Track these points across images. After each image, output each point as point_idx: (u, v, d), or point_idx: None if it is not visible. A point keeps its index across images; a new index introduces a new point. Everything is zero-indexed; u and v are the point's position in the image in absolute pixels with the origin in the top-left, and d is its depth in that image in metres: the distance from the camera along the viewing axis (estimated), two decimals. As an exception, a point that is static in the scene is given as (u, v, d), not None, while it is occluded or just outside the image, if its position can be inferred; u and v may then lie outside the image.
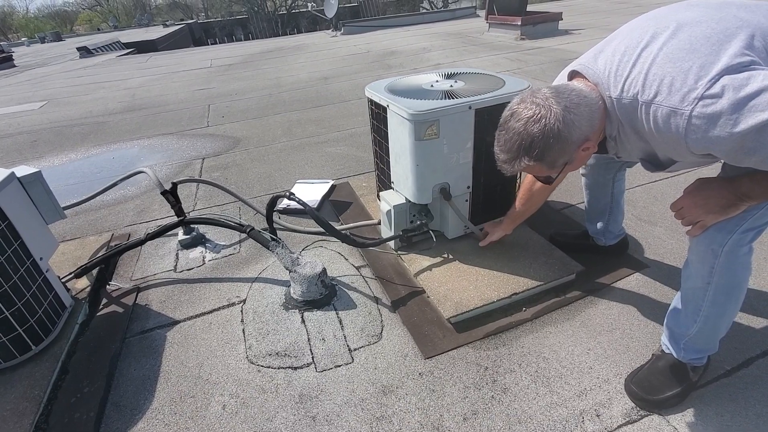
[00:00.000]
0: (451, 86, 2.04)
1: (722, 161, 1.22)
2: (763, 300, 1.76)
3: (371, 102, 2.15)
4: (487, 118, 1.89)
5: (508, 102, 1.86)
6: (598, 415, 1.38)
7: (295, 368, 1.63)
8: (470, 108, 1.83)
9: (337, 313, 1.88)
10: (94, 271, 2.18)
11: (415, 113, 1.76)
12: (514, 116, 1.14)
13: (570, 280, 1.94)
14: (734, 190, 1.07)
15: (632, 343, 1.63)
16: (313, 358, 1.67)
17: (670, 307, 1.42)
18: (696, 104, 0.93)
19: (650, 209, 2.46)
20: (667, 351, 1.45)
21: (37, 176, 1.80)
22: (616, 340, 1.65)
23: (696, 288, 1.28)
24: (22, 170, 1.77)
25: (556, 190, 2.75)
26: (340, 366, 1.63)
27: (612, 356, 1.59)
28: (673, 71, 0.97)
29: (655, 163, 1.26)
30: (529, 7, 9.34)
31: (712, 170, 1.25)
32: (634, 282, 1.93)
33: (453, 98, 1.87)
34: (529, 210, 1.91)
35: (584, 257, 2.02)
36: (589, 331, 1.70)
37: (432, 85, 2.09)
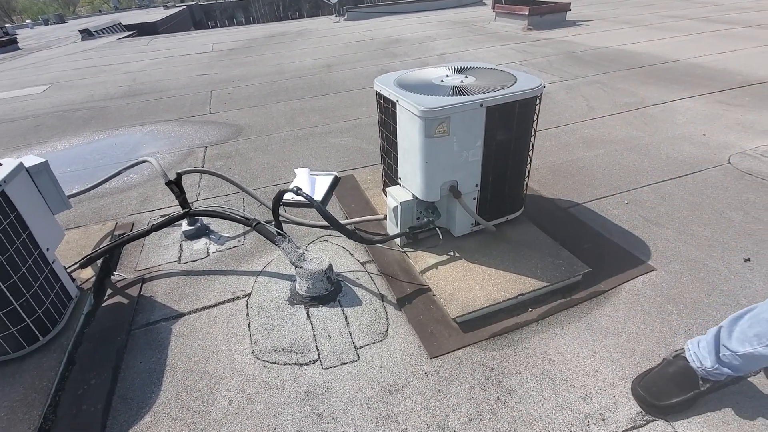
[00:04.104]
0: (462, 82, 2.01)
1: None
2: (770, 306, 1.75)
3: (380, 96, 2.12)
4: (499, 116, 1.86)
5: (520, 100, 1.86)
6: (603, 420, 1.39)
7: (301, 365, 1.64)
8: (482, 105, 1.80)
9: (342, 310, 1.88)
10: (99, 261, 2.17)
11: (426, 110, 1.73)
12: None
13: (576, 281, 1.94)
14: None
15: (638, 347, 1.63)
16: (319, 354, 1.67)
17: (734, 316, 1.30)
18: None
19: (657, 210, 2.44)
20: (693, 362, 1.36)
21: (44, 166, 1.78)
22: (623, 343, 1.65)
23: None
24: (29, 160, 1.75)
25: (564, 188, 2.73)
26: (346, 363, 1.63)
27: (618, 360, 1.59)
28: None
29: None
30: (538, -3, 9.18)
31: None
32: (641, 285, 1.92)
33: (464, 95, 1.84)
34: None
35: (591, 258, 2.02)
36: (595, 333, 1.70)
37: (442, 80, 2.06)
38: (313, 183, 2.87)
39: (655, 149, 3.16)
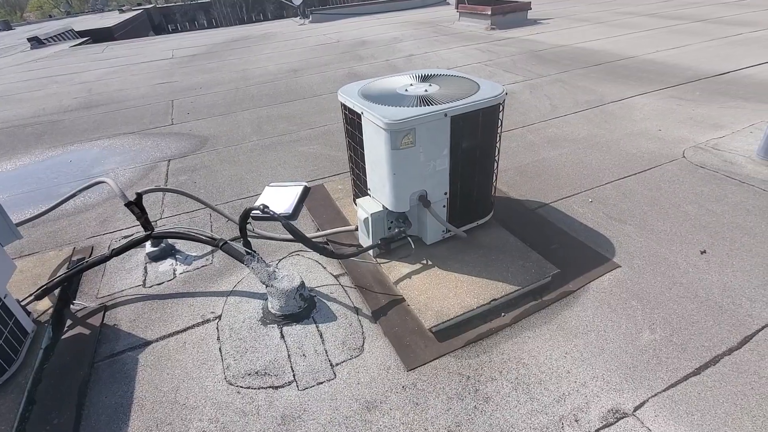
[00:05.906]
0: (426, 91, 2.02)
1: None
2: (728, 296, 1.85)
3: (345, 107, 2.10)
4: (463, 125, 1.88)
5: (484, 108, 1.88)
6: (576, 420, 1.43)
7: (276, 387, 1.60)
8: (446, 115, 1.81)
9: (317, 326, 1.85)
10: (57, 291, 2.06)
11: (390, 122, 1.73)
12: None
13: (546, 282, 1.98)
14: None
15: (607, 344, 1.68)
16: (294, 375, 1.64)
17: None
18: None
19: (620, 207, 2.53)
20: None
21: (-13, 196, 1.66)
22: (592, 342, 1.70)
23: None
24: (-32, 191, 1.64)
25: (531, 189, 2.78)
26: (322, 383, 1.61)
27: (588, 359, 1.63)
28: None
29: None
30: (499, -4, 9.35)
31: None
32: (607, 283, 1.98)
33: (428, 104, 1.84)
34: None
35: (559, 258, 2.07)
36: (565, 334, 1.74)
37: (406, 90, 2.06)
38: (283, 195, 2.82)
39: (615, 146, 3.27)
